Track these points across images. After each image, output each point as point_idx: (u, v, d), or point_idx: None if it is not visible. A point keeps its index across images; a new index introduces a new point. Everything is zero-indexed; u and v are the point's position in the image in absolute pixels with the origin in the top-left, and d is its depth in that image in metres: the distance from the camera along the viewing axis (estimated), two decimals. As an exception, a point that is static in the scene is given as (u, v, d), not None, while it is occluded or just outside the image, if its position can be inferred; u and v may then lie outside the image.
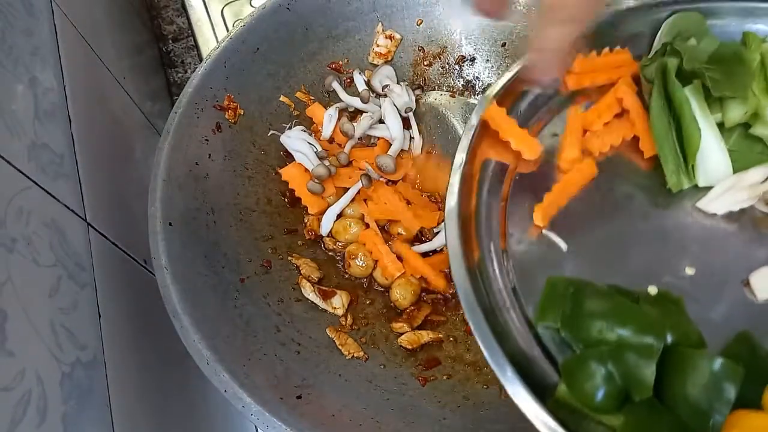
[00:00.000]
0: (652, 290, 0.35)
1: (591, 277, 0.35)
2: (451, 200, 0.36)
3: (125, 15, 0.69)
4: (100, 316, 0.39)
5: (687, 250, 0.37)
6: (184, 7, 0.78)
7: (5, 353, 0.28)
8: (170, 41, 0.76)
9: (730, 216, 0.39)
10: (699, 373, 0.29)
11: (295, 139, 0.56)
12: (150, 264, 0.46)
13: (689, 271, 0.37)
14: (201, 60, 0.72)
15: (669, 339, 0.31)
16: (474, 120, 0.39)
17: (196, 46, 0.75)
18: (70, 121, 0.44)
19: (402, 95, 0.59)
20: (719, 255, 0.37)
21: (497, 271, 0.37)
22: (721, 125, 0.40)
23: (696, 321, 0.33)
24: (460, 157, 0.38)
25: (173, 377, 0.48)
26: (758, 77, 0.39)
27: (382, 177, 0.57)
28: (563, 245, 0.38)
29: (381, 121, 0.59)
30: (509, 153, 0.40)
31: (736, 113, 0.40)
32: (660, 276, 0.36)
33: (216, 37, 0.74)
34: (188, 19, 0.77)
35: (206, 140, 0.53)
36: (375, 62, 0.62)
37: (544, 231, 0.38)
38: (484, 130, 0.40)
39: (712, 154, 0.39)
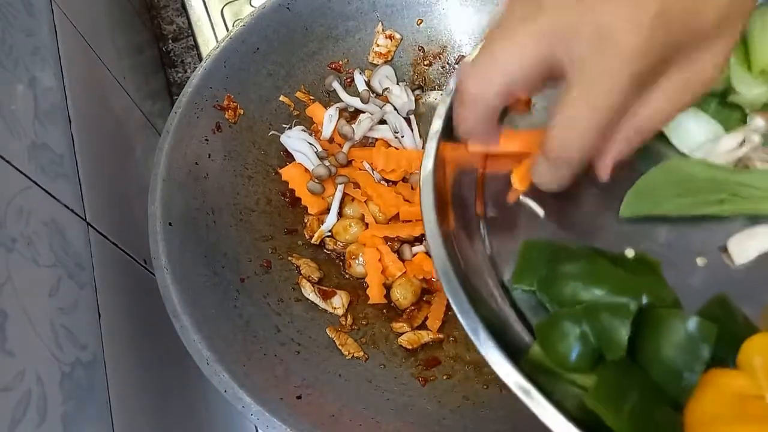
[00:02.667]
0: (629, 253, 0.35)
1: (568, 242, 0.35)
2: (428, 165, 0.36)
3: (125, 15, 0.69)
4: (100, 316, 0.39)
5: (664, 216, 0.37)
6: (184, 7, 0.78)
7: (5, 353, 0.28)
8: (170, 41, 0.76)
9: None
10: (674, 332, 0.29)
11: (295, 139, 0.56)
12: (150, 264, 0.46)
13: (667, 236, 0.36)
14: (201, 60, 0.72)
15: (644, 301, 0.31)
16: (452, 85, 0.38)
17: (196, 46, 0.75)
18: (70, 121, 0.44)
19: (401, 96, 0.59)
20: (697, 220, 0.37)
21: (473, 237, 0.37)
22: None
23: (673, 285, 0.33)
24: (437, 123, 0.37)
25: (173, 377, 0.48)
26: (738, 46, 0.39)
27: (383, 179, 0.57)
28: (540, 211, 0.37)
29: (381, 122, 0.59)
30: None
31: None
32: (638, 241, 0.36)
33: (216, 37, 0.74)
34: (188, 18, 0.77)
35: (206, 140, 0.53)
36: (375, 62, 0.62)
37: (521, 197, 0.38)
38: None
39: (692, 121, 0.39)
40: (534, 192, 0.38)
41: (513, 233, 0.37)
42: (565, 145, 0.28)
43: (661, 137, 0.40)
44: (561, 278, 0.32)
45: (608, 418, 0.27)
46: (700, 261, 0.36)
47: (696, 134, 0.39)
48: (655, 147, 0.40)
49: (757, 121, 0.39)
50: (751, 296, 0.33)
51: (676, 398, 0.29)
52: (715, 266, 0.35)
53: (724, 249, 0.36)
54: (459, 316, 0.31)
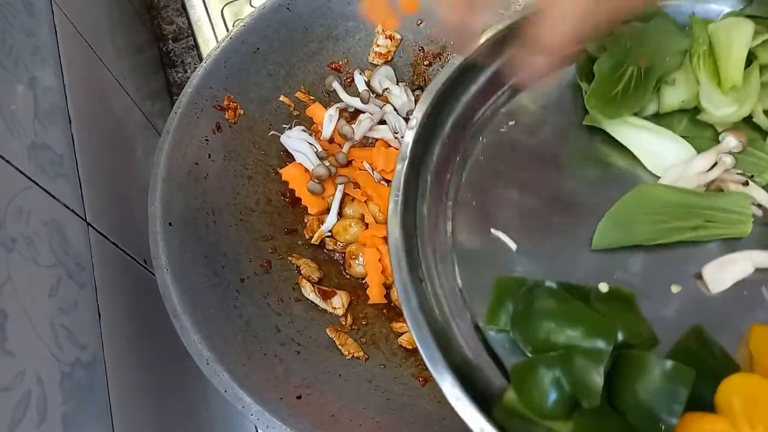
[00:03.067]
0: (603, 287, 0.34)
1: (541, 276, 0.34)
2: (393, 203, 0.35)
3: (125, 15, 0.69)
4: (100, 316, 0.39)
5: (638, 245, 0.36)
6: (184, 7, 0.78)
7: (5, 353, 0.28)
8: (170, 41, 0.76)
9: None
10: (649, 376, 0.28)
11: (295, 139, 0.56)
12: (150, 264, 0.46)
13: (641, 265, 0.36)
14: (201, 60, 0.72)
15: (620, 338, 0.30)
16: (418, 117, 0.38)
17: (196, 46, 0.75)
18: (70, 121, 0.44)
19: (401, 96, 0.59)
20: (671, 248, 0.36)
21: (443, 274, 0.36)
22: (658, 115, 0.40)
23: (648, 317, 0.33)
24: (404, 153, 0.37)
25: (173, 377, 0.48)
26: (706, 62, 0.39)
27: (383, 179, 0.57)
28: (512, 245, 0.37)
29: (381, 122, 0.59)
30: None
31: (672, 100, 0.40)
32: (612, 272, 0.35)
33: (216, 37, 0.74)
34: (188, 19, 0.77)
35: (206, 140, 0.53)
36: (375, 62, 0.62)
37: (492, 231, 0.37)
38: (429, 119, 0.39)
39: (663, 142, 0.39)
40: (506, 226, 0.37)
41: (485, 267, 0.36)
42: (551, 38, 0.33)
43: (634, 159, 0.40)
44: (534, 319, 0.32)
45: None
46: (675, 289, 0.35)
47: (668, 156, 0.39)
48: (627, 171, 0.40)
49: (729, 140, 0.38)
50: (727, 325, 0.33)
51: None
52: (690, 295, 0.35)
53: (700, 276, 0.35)
54: (426, 360, 0.30)
